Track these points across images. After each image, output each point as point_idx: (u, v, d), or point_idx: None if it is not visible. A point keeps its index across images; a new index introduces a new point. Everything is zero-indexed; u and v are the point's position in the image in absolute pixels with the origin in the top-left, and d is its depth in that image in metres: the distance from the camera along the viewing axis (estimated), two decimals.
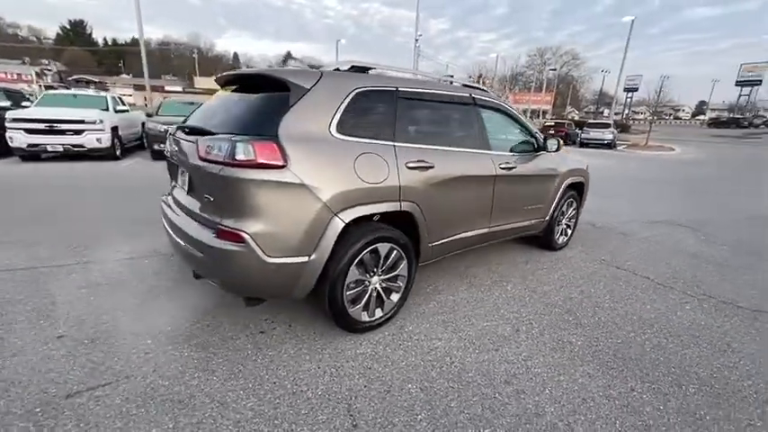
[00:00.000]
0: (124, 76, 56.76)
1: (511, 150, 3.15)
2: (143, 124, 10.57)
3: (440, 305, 2.79)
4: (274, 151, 1.83)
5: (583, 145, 19.70)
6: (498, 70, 57.52)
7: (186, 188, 2.25)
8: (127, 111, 10.10)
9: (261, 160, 1.81)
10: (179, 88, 45.12)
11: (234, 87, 2.40)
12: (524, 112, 44.56)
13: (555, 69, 62.56)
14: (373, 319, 2.35)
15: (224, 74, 2.50)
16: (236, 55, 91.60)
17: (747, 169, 12.76)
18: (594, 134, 19.81)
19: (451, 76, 3.72)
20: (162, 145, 7.52)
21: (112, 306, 2.56)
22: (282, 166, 1.83)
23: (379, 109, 2.24)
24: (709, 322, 2.71)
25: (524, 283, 3.24)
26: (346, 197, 1.99)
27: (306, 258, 1.96)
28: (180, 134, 2.36)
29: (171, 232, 2.27)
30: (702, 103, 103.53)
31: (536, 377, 2.05)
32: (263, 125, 1.93)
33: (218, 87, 2.63)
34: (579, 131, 21.19)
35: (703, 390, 2.01)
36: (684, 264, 3.82)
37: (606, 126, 20.24)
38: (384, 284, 2.34)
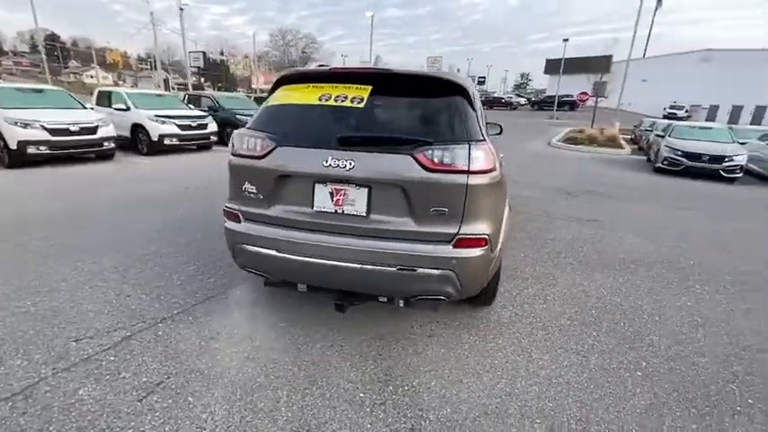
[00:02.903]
0: None
1: None
2: None
3: None
4: (492, 155, 2.01)
5: None
6: (245, 49, 55.81)
7: (365, 205, 1.99)
8: None
9: (488, 166, 1.96)
10: None
11: (354, 86, 2.17)
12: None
13: (305, 53, 66.49)
14: None
15: (358, 68, 2.27)
16: None
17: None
18: None
19: None
20: None
21: None
22: (495, 168, 2.04)
23: None
24: None
25: None
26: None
27: (498, 250, 2.26)
28: (326, 150, 1.96)
29: (321, 259, 2.02)
30: None
31: None
32: (458, 130, 2.01)
33: None
34: None
35: None
36: None
37: None
38: None
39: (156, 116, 9.27)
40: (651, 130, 13.68)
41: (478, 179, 1.93)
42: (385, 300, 2.23)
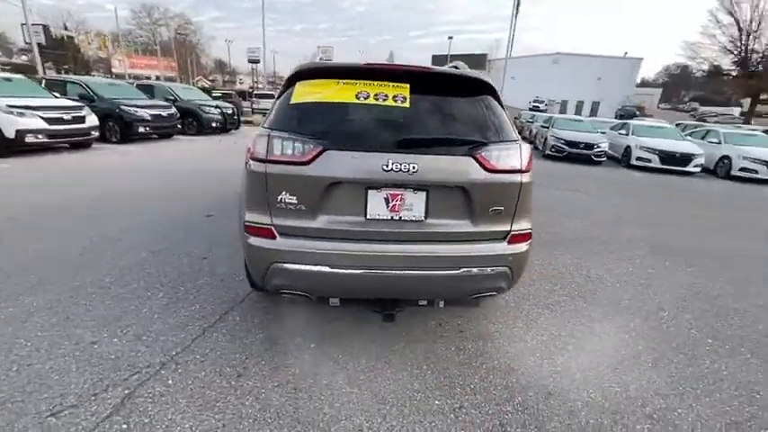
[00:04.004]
0: None
1: None
2: None
3: None
4: (530, 153, 2.09)
5: (254, 112, 21.42)
6: (97, 24, 46.56)
7: (423, 210, 1.92)
8: None
9: (531, 164, 2.04)
10: None
11: (391, 85, 2.03)
12: (147, 78, 39.60)
13: (183, 35, 58.51)
14: None
15: (392, 66, 2.11)
16: None
17: None
18: (264, 104, 21.93)
19: None
20: None
21: None
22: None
23: None
24: None
25: None
26: None
27: None
28: (380, 154, 1.83)
29: (377, 270, 1.92)
30: None
31: None
32: (502, 130, 2.05)
33: None
34: (251, 101, 22.68)
35: None
36: None
37: (271, 96, 22.78)
38: None
39: (11, 106, 7.25)
40: (533, 122, 15.89)
41: (527, 177, 2.02)
42: (425, 303, 2.21)
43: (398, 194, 1.90)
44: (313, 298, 2.09)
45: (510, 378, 2.10)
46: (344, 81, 2.03)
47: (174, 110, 10.83)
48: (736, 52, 29.28)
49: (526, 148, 2.05)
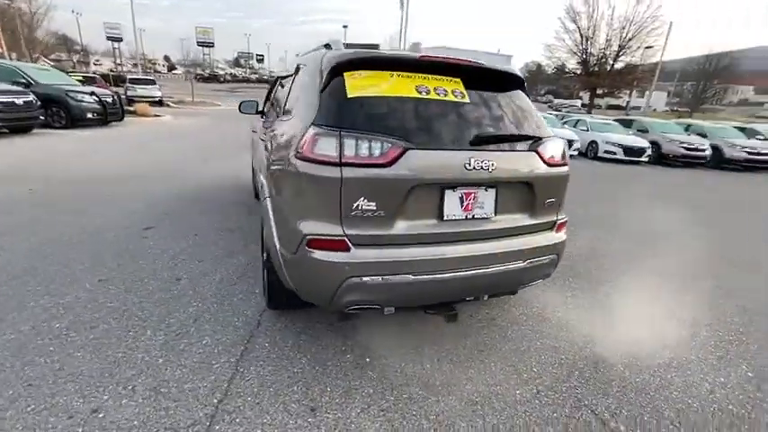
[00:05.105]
0: None
1: None
2: None
3: None
4: None
5: (131, 102, 18.24)
6: None
7: (492, 207, 1.92)
8: None
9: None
10: None
11: (446, 79, 1.95)
12: None
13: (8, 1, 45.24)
14: None
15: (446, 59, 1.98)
16: None
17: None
18: (142, 91, 18.80)
19: None
20: None
21: None
22: None
23: None
24: None
25: None
26: None
27: None
28: (470, 151, 1.80)
29: (456, 272, 1.84)
30: (167, 58, 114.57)
31: None
32: (543, 124, 2.16)
33: None
34: (125, 88, 19.14)
35: None
36: None
37: (151, 82, 19.65)
38: None
39: None
40: None
41: (568, 169, 2.17)
42: (472, 297, 2.23)
43: (472, 193, 1.86)
44: (383, 311, 1.92)
45: (558, 355, 2.26)
46: (398, 73, 1.88)
47: (32, 97, 8.52)
48: (579, 54, 35.59)
49: (565, 142, 2.20)
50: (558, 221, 2.20)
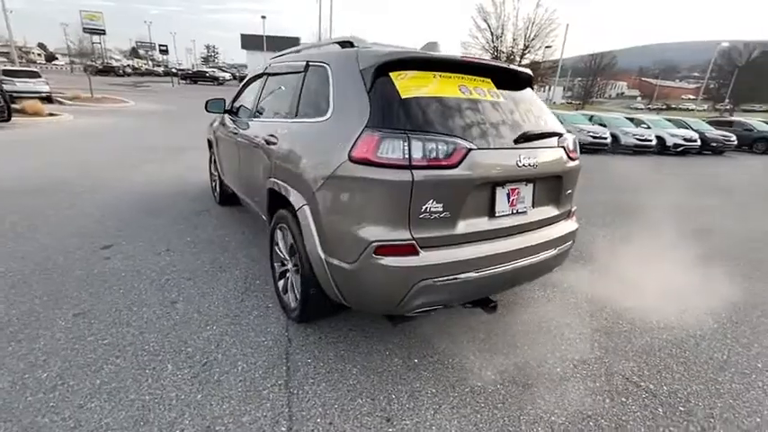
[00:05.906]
0: None
1: None
2: None
3: None
4: None
5: (13, 99, 15.24)
6: None
7: (531, 201, 2.06)
8: None
9: None
10: None
11: (478, 79, 1.99)
12: None
13: None
14: None
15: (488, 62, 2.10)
16: None
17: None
18: (23, 86, 15.79)
19: None
20: None
21: None
22: None
23: None
24: None
25: None
26: None
27: None
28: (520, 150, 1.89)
29: (508, 265, 1.92)
30: (42, 46, 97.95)
31: None
32: (557, 120, 2.28)
33: None
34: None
35: None
36: None
37: (35, 75, 16.56)
38: None
39: None
40: None
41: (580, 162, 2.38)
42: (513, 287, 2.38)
43: (516, 189, 1.95)
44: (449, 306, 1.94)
45: (585, 330, 2.48)
46: (440, 74, 1.89)
47: None
48: (491, 51, 38.40)
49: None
50: (573, 210, 2.40)
